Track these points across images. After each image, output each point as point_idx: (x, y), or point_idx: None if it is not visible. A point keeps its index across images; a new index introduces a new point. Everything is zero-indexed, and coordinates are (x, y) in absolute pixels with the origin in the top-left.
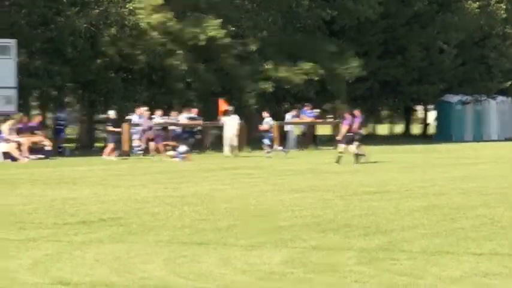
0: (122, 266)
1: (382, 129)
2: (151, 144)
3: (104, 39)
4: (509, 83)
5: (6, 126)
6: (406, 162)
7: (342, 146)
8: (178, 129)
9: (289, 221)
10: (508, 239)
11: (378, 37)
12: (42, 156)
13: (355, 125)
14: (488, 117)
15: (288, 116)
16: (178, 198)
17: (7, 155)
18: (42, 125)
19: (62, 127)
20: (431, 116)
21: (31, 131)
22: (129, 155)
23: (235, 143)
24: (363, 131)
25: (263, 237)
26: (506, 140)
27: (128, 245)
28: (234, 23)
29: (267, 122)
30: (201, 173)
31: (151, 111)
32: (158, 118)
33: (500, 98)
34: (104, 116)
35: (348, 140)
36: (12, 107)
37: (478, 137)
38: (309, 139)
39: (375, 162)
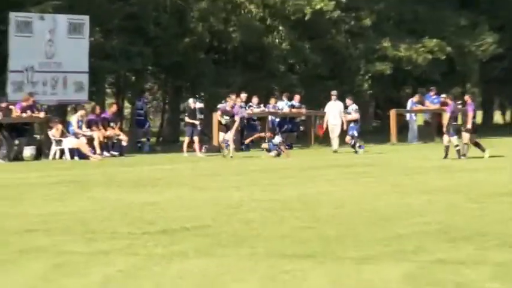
0: (210, 284)
1: None
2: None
3: (192, 14)
4: None
5: (75, 118)
6: None
7: (447, 138)
8: (276, 119)
9: (411, 229)
10: None
11: None
12: (117, 153)
13: (469, 114)
14: None
15: (410, 103)
16: (277, 203)
17: (76, 152)
18: (118, 116)
19: (142, 118)
20: None
21: (105, 123)
22: (219, 151)
23: (336, 134)
24: (476, 121)
25: (379, 249)
26: None
27: (217, 258)
28: None
29: (353, 109)
30: (306, 172)
31: (249, 98)
32: (254, 106)
33: None
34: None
35: (454, 131)
36: (83, 95)
37: None
38: (434, 130)
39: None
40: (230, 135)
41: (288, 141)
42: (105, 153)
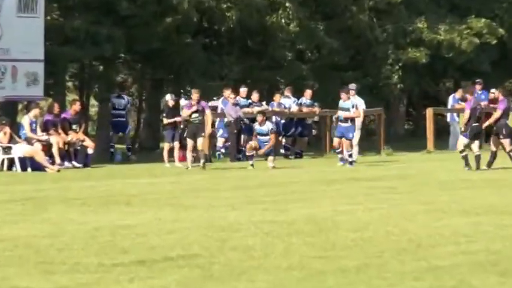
0: None
1: None
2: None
3: None
4: None
5: (27, 119)
6: None
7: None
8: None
9: (452, 259)
10: None
11: None
12: (81, 164)
13: (497, 114)
14: None
15: (451, 100)
16: (283, 225)
17: (29, 162)
18: (82, 117)
19: (122, 120)
20: None
21: (65, 125)
22: (211, 160)
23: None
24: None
25: (411, 284)
26: None
27: None
28: None
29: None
30: (319, 186)
31: (249, 93)
32: (255, 104)
33: None
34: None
35: (472, 134)
36: (38, 90)
37: None
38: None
39: None
40: (200, 140)
41: (297, 148)
42: (66, 163)
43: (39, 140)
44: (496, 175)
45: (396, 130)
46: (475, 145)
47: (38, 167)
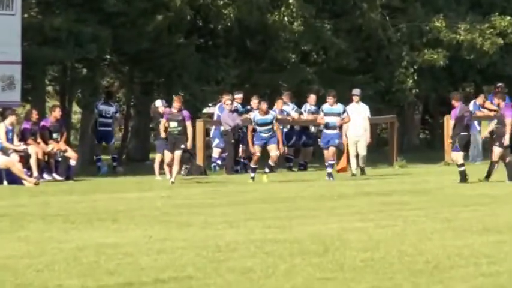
0: None
1: None
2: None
3: None
4: None
5: (3, 127)
6: None
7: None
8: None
9: (472, 282)
10: None
11: None
12: (62, 176)
13: (508, 120)
14: None
15: (472, 106)
16: (286, 244)
17: (5, 174)
18: (63, 125)
19: (108, 129)
20: None
21: (45, 134)
22: (205, 173)
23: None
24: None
25: None
26: None
27: None
28: None
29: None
30: (325, 202)
31: (248, 99)
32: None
33: None
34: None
35: (461, 145)
36: (14, 95)
37: None
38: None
39: None
40: (178, 153)
41: (301, 159)
42: (46, 175)
43: (16, 151)
44: None
45: (410, 140)
46: (460, 156)
47: (14, 179)
